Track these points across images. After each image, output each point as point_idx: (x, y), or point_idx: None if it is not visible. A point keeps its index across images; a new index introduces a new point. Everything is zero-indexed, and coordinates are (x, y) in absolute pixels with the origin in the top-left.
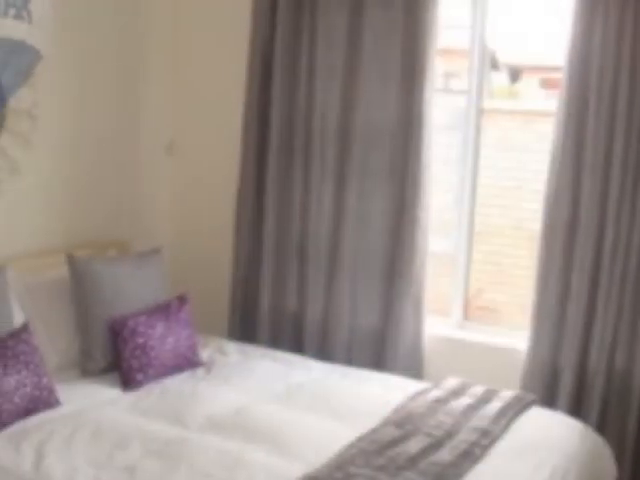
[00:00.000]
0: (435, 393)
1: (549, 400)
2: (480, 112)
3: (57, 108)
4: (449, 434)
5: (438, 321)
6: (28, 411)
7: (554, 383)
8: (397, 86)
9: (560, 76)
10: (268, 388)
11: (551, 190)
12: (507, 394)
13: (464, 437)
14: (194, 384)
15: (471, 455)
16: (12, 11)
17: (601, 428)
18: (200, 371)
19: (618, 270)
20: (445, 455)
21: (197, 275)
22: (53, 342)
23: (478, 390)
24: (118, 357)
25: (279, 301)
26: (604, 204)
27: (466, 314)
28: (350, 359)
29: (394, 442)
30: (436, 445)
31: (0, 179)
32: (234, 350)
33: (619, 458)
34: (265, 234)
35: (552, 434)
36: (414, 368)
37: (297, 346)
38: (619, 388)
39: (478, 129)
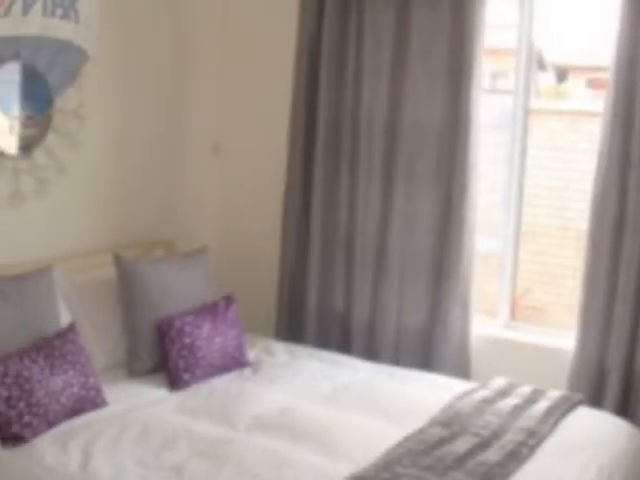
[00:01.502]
0: (482, 393)
1: (596, 400)
2: (527, 112)
3: (104, 108)
4: (496, 434)
5: (485, 321)
6: (75, 411)
7: (601, 383)
8: (444, 85)
9: (607, 76)
10: (315, 388)
11: (598, 190)
12: (554, 394)
13: (511, 437)
14: (241, 384)
15: (518, 455)
16: (59, 11)
17: None
18: (247, 371)
19: None
20: (492, 455)
21: (244, 275)
22: (100, 342)
23: (525, 390)
24: (165, 357)
25: (326, 301)
26: None
27: (513, 314)
28: (397, 359)
29: (441, 442)
30: (483, 445)
31: (47, 179)
32: (281, 350)
33: None
34: (312, 234)
35: (599, 434)
36: (461, 368)
37: (344, 346)
38: None
39: (525, 129)
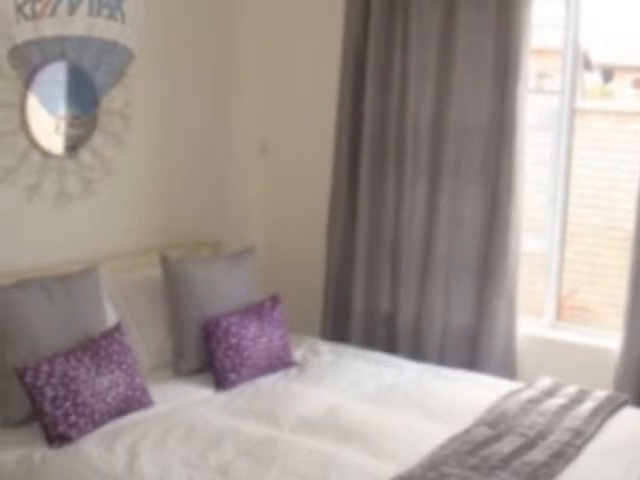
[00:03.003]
0: (528, 393)
1: None
2: (573, 112)
3: (149, 108)
4: (542, 434)
5: (531, 321)
6: (121, 411)
7: None
8: (490, 86)
9: None
10: (360, 388)
11: None
12: (600, 394)
13: (557, 437)
14: (287, 384)
15: (564, 455)
16: (105, 11)
17: None
18: (293, 371)
19: None
20: (538, 455)
21: (290, 275)
22: (146, 342)
23: (571, 390)
24: (211, 357)
25: (372, 301)
26: None
27: (559, 314)
28: (443, 359)
29: (487, 442)
30: (529, 445)
31: (94, 179)
32: (327, 350)
33: None
34: (358, 234)
35: None
36: (507, 368)
37: (390, 346)
38: None
39: (571, 129)
